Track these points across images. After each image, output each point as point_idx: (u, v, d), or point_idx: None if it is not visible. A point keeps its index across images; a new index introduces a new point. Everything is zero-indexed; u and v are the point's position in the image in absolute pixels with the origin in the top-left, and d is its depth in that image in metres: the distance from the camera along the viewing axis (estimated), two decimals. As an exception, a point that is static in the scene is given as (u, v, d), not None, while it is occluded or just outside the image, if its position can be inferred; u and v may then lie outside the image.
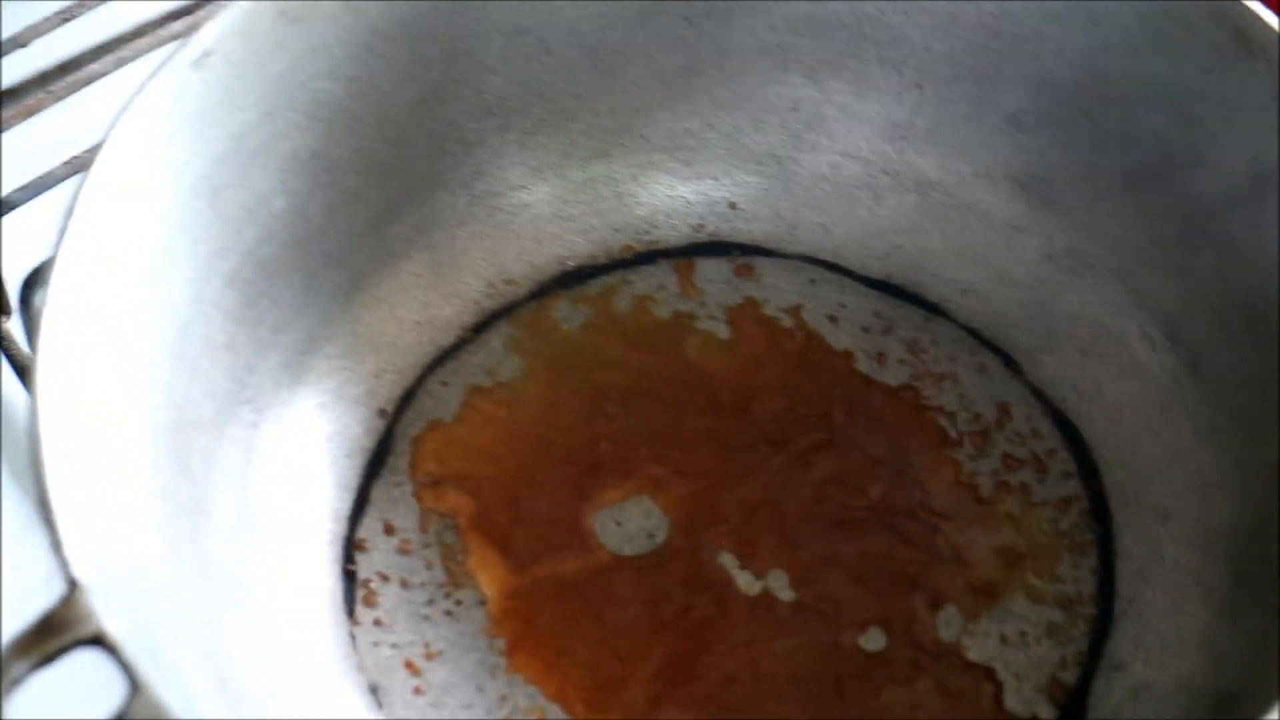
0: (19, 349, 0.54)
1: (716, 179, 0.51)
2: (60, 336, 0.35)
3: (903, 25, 0.47)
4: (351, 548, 0.44)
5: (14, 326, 0.54)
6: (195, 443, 0.41)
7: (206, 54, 0.40)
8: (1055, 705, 0.41)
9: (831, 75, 0.49)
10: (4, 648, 0.30)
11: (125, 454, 0.37)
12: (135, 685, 0.30)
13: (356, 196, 0.46)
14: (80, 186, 0.37)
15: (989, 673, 0.42)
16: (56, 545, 0.31)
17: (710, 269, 0.50)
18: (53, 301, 0.35)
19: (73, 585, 0.31)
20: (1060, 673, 0.42)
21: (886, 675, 0.42)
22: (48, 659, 0.30)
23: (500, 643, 0.43)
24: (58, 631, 0.30)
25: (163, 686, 0.30)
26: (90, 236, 0.37)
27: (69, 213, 0.37)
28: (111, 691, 0.35)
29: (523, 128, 0.49)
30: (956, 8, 0.46)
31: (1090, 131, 0.46)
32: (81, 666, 0.32)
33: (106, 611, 0.31)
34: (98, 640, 0.30)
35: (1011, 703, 0.41)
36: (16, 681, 0.30)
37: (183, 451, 0.40)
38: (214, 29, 0.41)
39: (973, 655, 0.42)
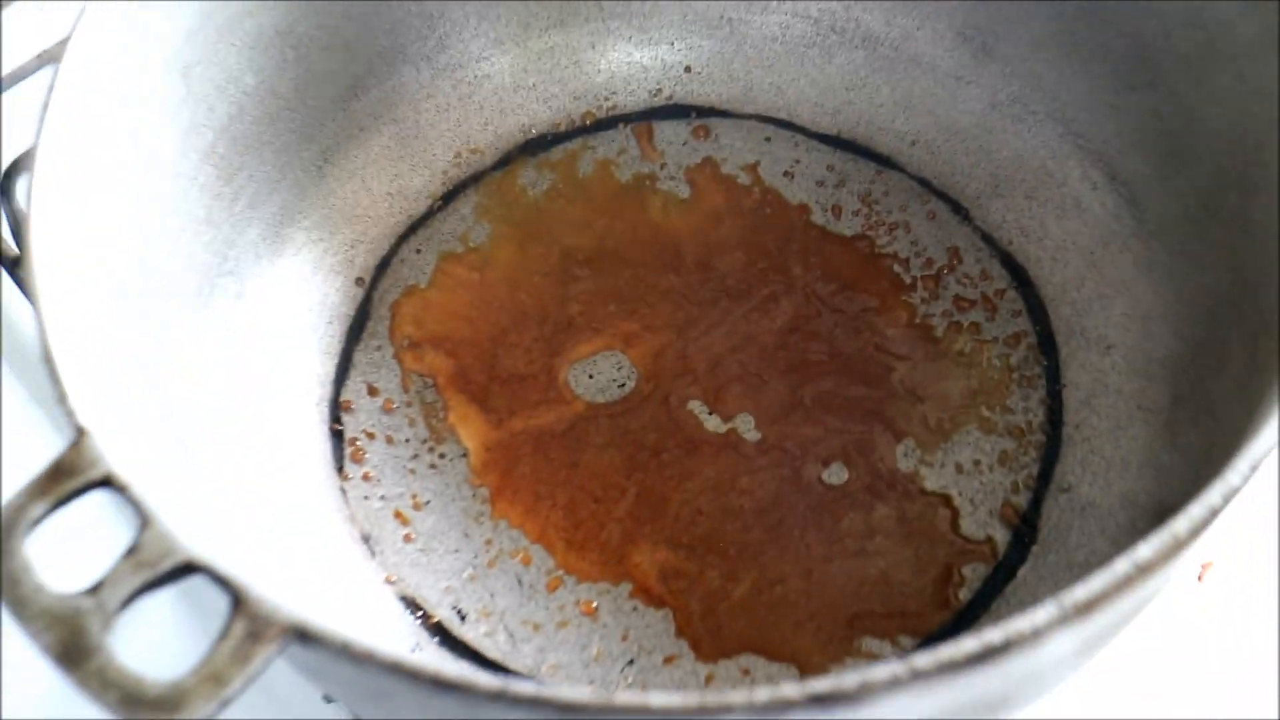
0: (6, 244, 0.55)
1: (672, 44, 0.52)
2: (50, 211, 0.37)
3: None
4: (338, 409, 0.46)
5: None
6: (182, 314, 0.43)
7: (170, -66, 0.42)
8: (1008, 526, 0.44)
9: (779, -64, 0.50)
10: (21, 491, 0.32)
11: (116, 322, 0.39)
12: (145, 520, 0.32)
13: (323, 73, 0.48)
14: (57, 68, 0.39)
15: (945, 499, 0.44)
16: (61, 396, 0.33)
17: (669, 131, 0.52)
18: (40, 176, 0.37)
19: (80, 432, 0.33)
20: (1012, 496, 0.44)
21: (848, 504, 0.44)
22: (62, 500, 0.32)
23: (483, 491, 0.45)
24: (70, 475, 0.32)
25: (170, 519, 0.31)
26: (70, 113, 0.39)
27: (49, 90, 0.38)
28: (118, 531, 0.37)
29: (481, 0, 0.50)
30: None
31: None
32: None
33: (114, 456, 0.32)
34: (108, 481, 0.32)
35: (967, 526, 0.44)
36: (35, 521, 0.32)
37: (165, 320, 0.42)
38: (177, -94, 0.42)
39: (929, 484, 0.45)
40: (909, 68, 0.51)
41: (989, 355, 0.47)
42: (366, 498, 0.45)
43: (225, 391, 0.44)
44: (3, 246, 0.55)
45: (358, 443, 0.46)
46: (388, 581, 0.44)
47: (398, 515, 0.45)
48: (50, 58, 0.56)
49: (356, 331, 0.48)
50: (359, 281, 0.49)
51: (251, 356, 0.45)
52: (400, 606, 0.43)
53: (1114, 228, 0.47)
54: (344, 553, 0.44)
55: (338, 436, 0.46)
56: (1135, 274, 0.46)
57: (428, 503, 0.45)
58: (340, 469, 0.45)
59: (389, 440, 0.46)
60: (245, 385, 0.45)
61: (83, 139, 0.39)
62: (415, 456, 0.46)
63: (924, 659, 0.28)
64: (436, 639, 0.42)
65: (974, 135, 0.50)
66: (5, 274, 0.55)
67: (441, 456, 0.46)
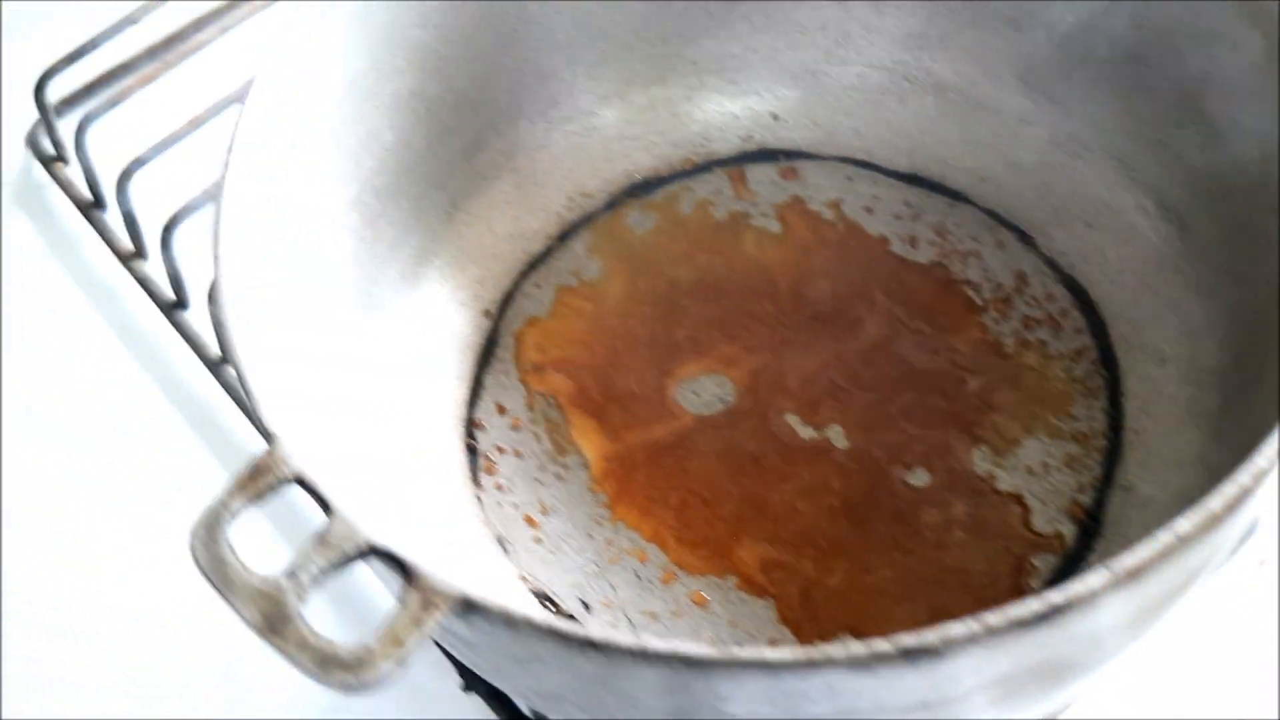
0: (159, 289, 0.62)
1: (760, 94, 0.58)
2: (232, 244, 0.43)
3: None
4: (471, 427, 0.52)
5: (153, 268, 0.62)
6: (337, 342, 0.49)
7: (321, 14, 0.48)
8: (1075, 523, 0.49)
9: (854, -5, 0.56)
10: (226, 489, 0.38)
11: (290, 348, 0.45)
12: (330, 510, 0.37)
13: (451, 128, 0.54)
14: (234, 132, 0.45)
15: (1017, 498, 0.49)
16: (256, 406, 0.39)
17: (759, 173, 0.57)
18: (224, 218, 0.43)
19: (271, 437, 0.39)
20: (1079, 496, 0.49)
21: (929, 503, 0.49)
22: (259, 495, 0.38)
23: (603, 497, 0.51)
24: (264, 474, 0.38)
25: (353, 512, 0.37)
26: (245, 172, 0.45)
27: (229, 149, 0.45)
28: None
29: (588, 60, 0.56)
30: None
31: (1082, 31, 0.53)
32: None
33: (301, 458, 0.38)
34: (298, 479, 0.38)
35: (1038, 522, 0.49)
36: (235, 514, 0.38)
37: (325, 349, 0.48)
38: (326, -9, 0.48)
39: (1002, 485, 0.50)
40: (975, 111, 0.56)
41: (1055, 369, 0.52)
42: (500, 505, 0.51)
43: (374, 413, 0.50)
44: (160, 294, 0.61)
45: (490, 457, 0.52)
46: (521, 579, 0.49)
47: (527, 520, 0.50)
48: (198, 122, 0.62)
49: (486, 358, 0.54)
50: (486, 314, 0.55)
51: (395, 382, 0.51)
52: (534, 600, 0.48)
53: (1165, 251, 0.52)
54: (483, 553, 0.49)
55: (472, 451, 0.52)
56: (1185, 293, 0.51)
57: (554, 508, 0.51)
58: (476, 480, 0.51)
59: (518, 454, 0.52)
60: (390, 408, 0.51)
61: (256, 195, 0.45)
62: (541, 468, 0.51)
63: (995, 617, 0.34)
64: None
65: (1036, 171, 0.55)
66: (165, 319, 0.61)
67: (565, 467, 0.51)
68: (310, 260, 0.48)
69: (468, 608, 0.35)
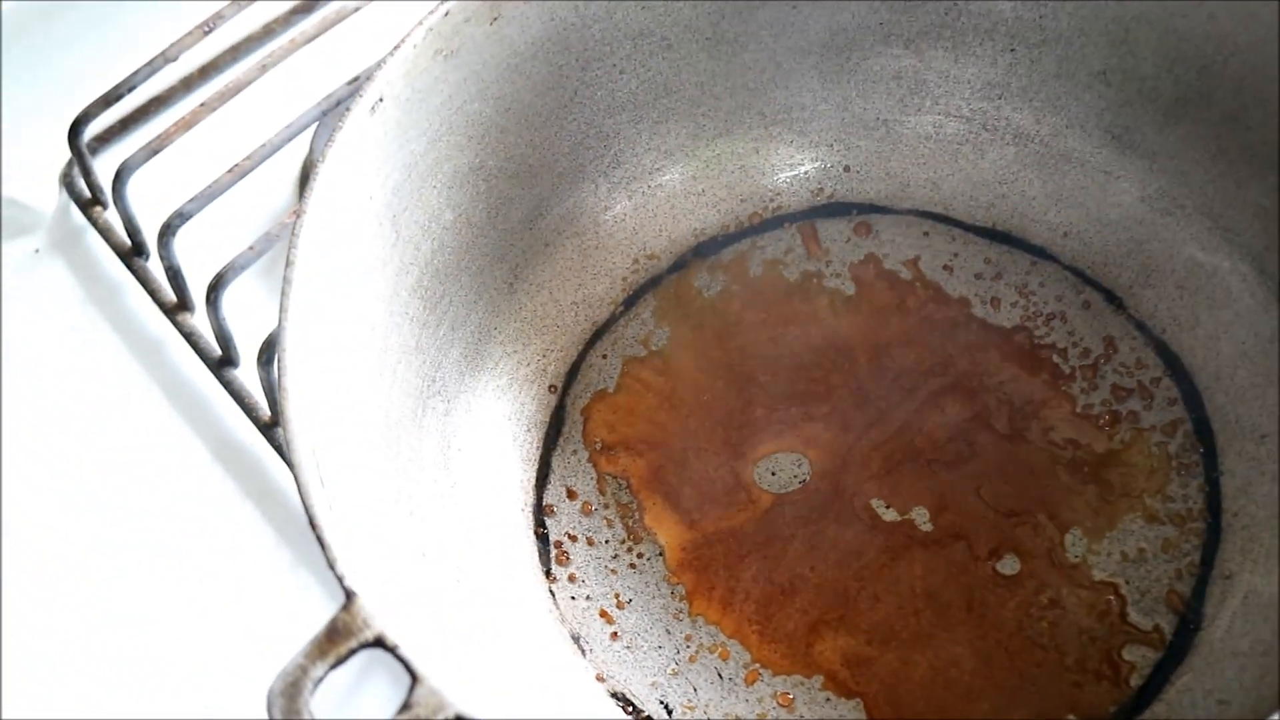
0: (205, 342, 0.60)
1: (830, 146, 0.55)
2: (296, 374, 0.41)
3: (993, -7, 0.52)
4: (541, 513, 0.50)
5: (200, 321, 0.60)
6: (402, 438, 0.47)
7: (380, 100, 0.46)
8: (1174, 613, 0.47)
9: (930, 44, 0.53)
10: (302, 653, 0.36)
11: (358, 466, 0.43)
12: (415, 678, 0.36)
13: (511, 198, 0.52)
14: (295, 236, 0.43)
15: (1113, 588, 0.48)
16: (332, 562, 0.37)
17: (831, 229, 0.55)
18: (288, 349, 0.41)
19: (349, 595, 0.37)
20: (1176, 584, 0.47)
21: (1019, 592, 0.48)
22: (340, 661, 0.36)
23: (680, 589, 0.49)
24: (344, 637, 0.37)
25: (440, 678, 0.36)
26: (308, 280, 0.43)
27: (289, 262, 0.42)
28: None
29: (652, 117, 0.54)
30: (1043, -25, 0.50)
31: (1173, 86, 0.50)
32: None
33: (381, 617, 0.37)
34: (379, 642, 0.36)
35: (1135, 615, 0.47)
36: (318, 681, 0.36)
37: (394, 449, 0.46)
38: (383, 77, 0.46)
39: (1097, 574, 0.48)
40: (1059, 163, 0.53)
41: (1148, 443, 0.50)
42: (574, 598, 0.49)
43: (441, 506, 0.48)
44: (206, 347, 0.60)
45: (562, 545, 0.50)
46: (598, 679, 0.48)
47: (603, 614, 0.49)
48: (241, 171, 0.60)
49: (553, 437, 0.52)
50: (552, 389, 0.53)
51: (461, 468, 0.50)
52: (612, 703, 0.47)
53: (1264, 319, 0.49)
54: (558, 652, 0.48)
55: (543, 540, 0.50)
56: (1287, 364, 0.49)
57: (630, 601, 0.49)
58: (548, 572, 0.49)
59: (590, 542, 0.50)
60: (458, 498, 0.49)
61: (319, 303, 0.43)
62: (615, 556, 0.50)
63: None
64: (648, 733, 0.47)
65: (1124, 227, 0.53)
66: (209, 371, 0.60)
67: (640, 556, 0.50)
68: (375, 359, 0.46)
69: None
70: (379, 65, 0.46)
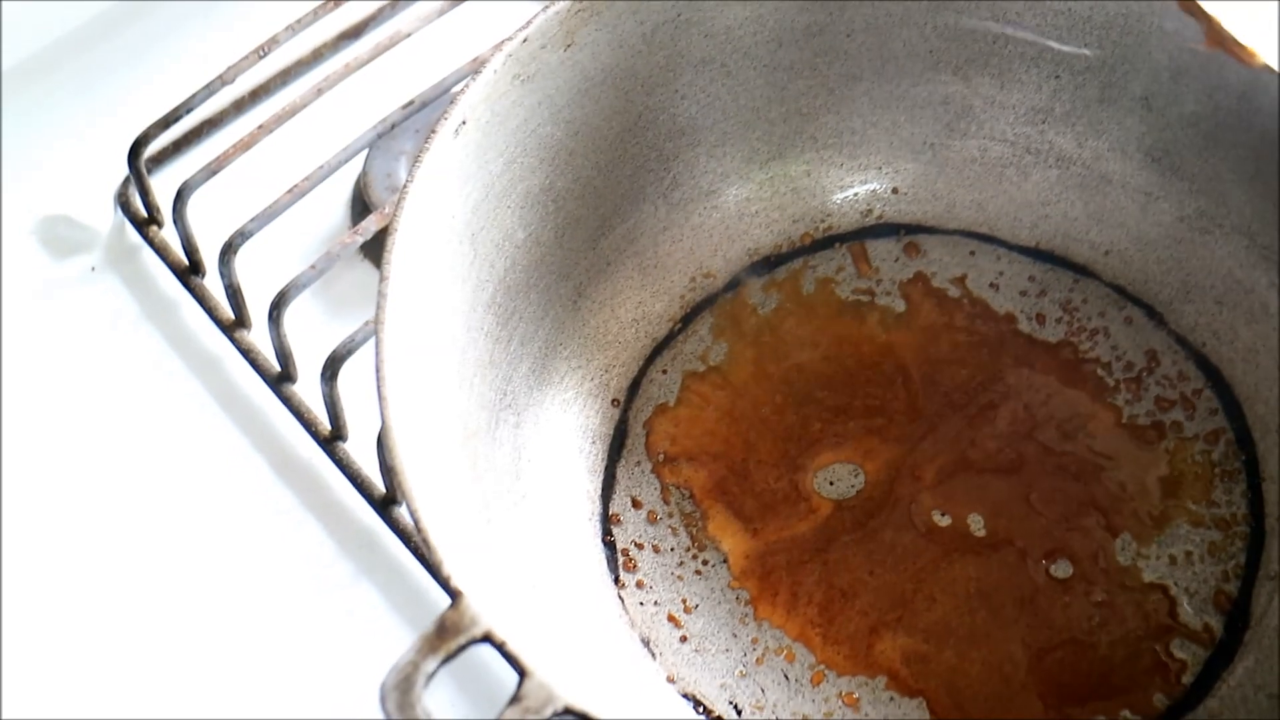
0: (264, 358, 0.61)
1: (879, 168, 0.57)
2: (393, 383, 0.43)
3: (1039, 26, 0.54)
4: (608, 522, 0.52)
5: (258, 337, 0.62)
6: (478, 449, 0.49)
7: (462, 123, 0.47)
8: (1221, 614, 0.49)
9: (977, 72, 0.55)
10: (414, 649, 0.38)
11: (445, 475, 0.45)
12: (524, 672, 0.37)
13: (577, 218, 0.54)
14: (388, 251, 0.45)
15: (1163, 589, 0.50)
16: (439, 564, 0.39)
17: (881, 249, 0.57)
18: (385, 359, 0.43)
19: (456, 595, 0.39)
20: (1224, 585, 0.49)
21: (1072, 594, 0.50)
22: (450, 656, 0.38)
23: (744, 594, 0.51)
24: (453, 633, 0.38)
25: (548, 671, 0.37)
26: (399, 295, 0.45)
27: (382, 278, 0.44)
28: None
29: (710, 141, 0.56)
30: (1088, 9, 0.53)
31: (1214, 111, 0.52)
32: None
33: (489, 614, 0.38)
34: (487, 638, 0.38)
35: (1184, 615, 0.49)
36: (430, 675, 0.38)
37: (471, 458, 0.48)
38: (465, 100, 0.48)
39: (1147, 576, 0.50)
40: (1100, 184, 0.56)
41: (1191, 452, 0.52)
42: (642, 604, 0.51)
43: (514, 515, 0.50)
44: (265, 363, 0.61)
45: (629, 553, 0.52)
46: (669, 680, 0.49)
47: (671, 619, 0.51)
48: (300, 192, 0.62)
49: (617, 449, 0.54)
50: (615, 403, 0.54)
51: (531, 478, 0.51)
52: (684, 703, 0.49)
53: (1301, 332, 0.52)
54: (630, 655, 0.49)
55: (610, 547, 0.52)
56: (1324, 375, 0.51)
57: (696, 606, 0.51)
58: (616, 578, 0.51)
59: (656, 549, 0.52)
60: (528, 507, 0.51)
61: (408, 304, 0.45)
62: (681, 564, 0.52)
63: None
64: (719, 732, 0.48)
65: (1164, 245, 0.55)
66: (268, 387, 0.61)
67: (705, 563, 0.52)
68: (455, 372, 0.48)
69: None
70: (462, 89, 0.48)
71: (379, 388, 0.42)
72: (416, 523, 0.40)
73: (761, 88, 0.55)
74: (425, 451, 0.43)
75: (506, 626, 0.39)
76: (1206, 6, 0.47)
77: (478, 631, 0.38)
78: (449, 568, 0.39)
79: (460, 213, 0.48)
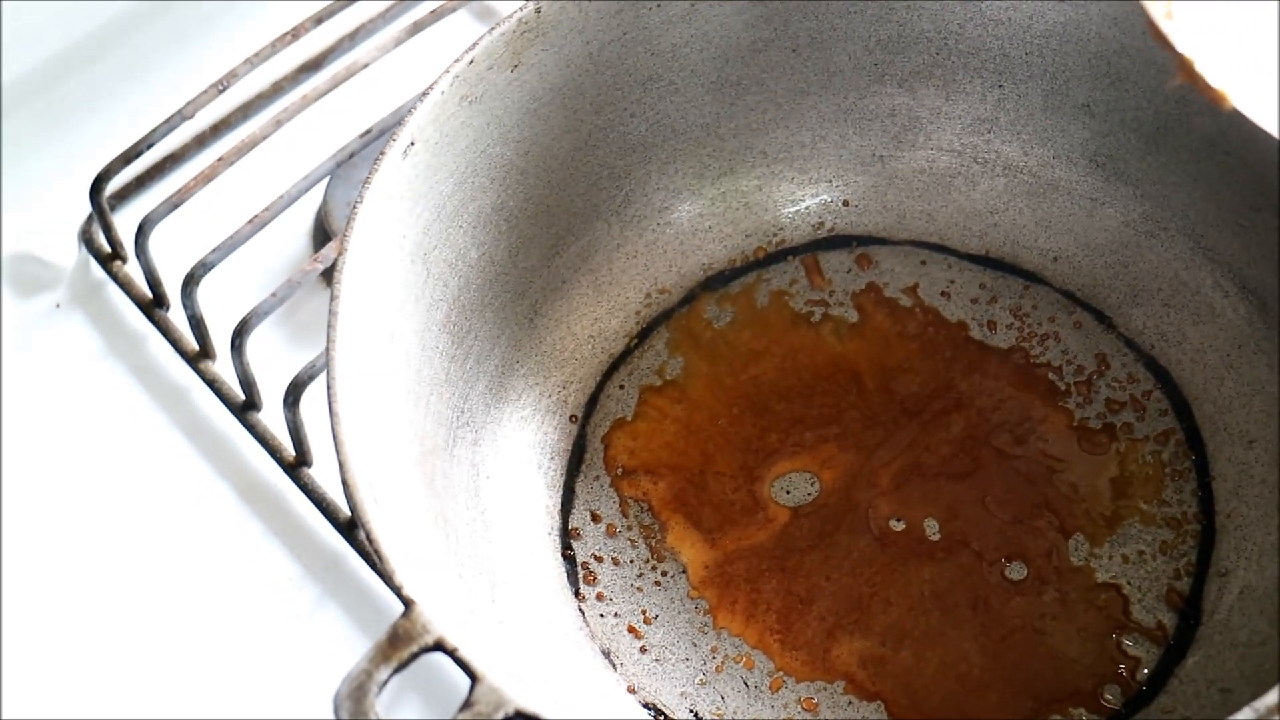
0: (228, 387, 0.62)
1: (830, 182, 0.58)
2: (346, 400, 0.43)
3: (981, 36, 0.55)
4: (567, 536, 0.53)
5: (222, 367, 0.62)
6: (436, 466, 0.49)
7: (411, 144, 0.48)
8: (1174, 611, 0.49)
9: (922, 83, 0.56)
10: (366, 658, 0.38)
11: (400, 490, 0.45)
12: (475, 678, 0.38)
13: (530, 236, 0.54)
14: (339, 271, 0.45)
15: (1116, 588, 0.50)
16: (390, 574, 0.40)
17: (834, 261, 0.58)
18: (337, 379, 0.43)
19: (409, 604, 0.39)
20: (1175, 583, 0.50)
21: (1026, 595, 0.50)
22: (403, 664, 0.38)
23: (703, 604, 0.51)
24: (405, 642, 0.39)
25: (499, 676, 0.38)
26: (351, 314, 0.45)
27: (333, 297, 0.45)
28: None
29: (660, 158, 0.57)
30: (1029, 18, 0.54)
31: (1154, 115, 0.53)
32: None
33: (441, 622, 0.39)
34: (439, 646, 0.39)
35: (1138, 613, 0.50)
36: (382, 684, 0.38)
37: (429, 475, 0.48)
38: (414, 122, 0.48)
39: (1101, 576, 0.50)
40: (1047, 191, 0.57)
41: (1142, 453, 0.53)
42: (603, 615, 0.51)
43: (473, 531, 0.50)
44: (231, 394, 0.62)
45: (589, 566, 0.52)
46: (630, 691, 0.50)
47: (631, 630, 0.51)
48: (261, 222, 0.62)
49: (575, 465, 0.54)
50: (572, 419, 0.55)
51: (490, 495, 0.52)
52: (645, 713, 0.49)
53: (1247, 331, 0.52)
54: (590, 667, 0.50)
55: (570, 561, 0.52)
56: (1270, 373, 0.52)
57: (656, 617, 0.51)
58: (577, 592, 0.52)
59: (615, 562, 0.52)
60: (488, 523, 0.51)
61: (359, 326, 0.46)
62: (640, 575, 0.52)
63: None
64: (679, 740, 0.49)
65: (1111, 250, 0.56)
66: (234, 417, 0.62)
67: (664, 574, 0.52)
68: (410, 390, 0.48)
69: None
70: (410, 111, 0.48)
71: (330, 404, 0.43)
72: (367, 534, 0.40)
73: (710, 104, 0.56)
74: (380, 467, 0.44)
75: (459, 634, 0.39)
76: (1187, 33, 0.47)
77: (429, 639, 0.39)
78: (400, 577, 0.40)
79: (411, 233, 0.49)
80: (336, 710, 0.38)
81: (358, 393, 0.44)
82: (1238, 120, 0.50)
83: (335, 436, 0.42)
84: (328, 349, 0.44)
